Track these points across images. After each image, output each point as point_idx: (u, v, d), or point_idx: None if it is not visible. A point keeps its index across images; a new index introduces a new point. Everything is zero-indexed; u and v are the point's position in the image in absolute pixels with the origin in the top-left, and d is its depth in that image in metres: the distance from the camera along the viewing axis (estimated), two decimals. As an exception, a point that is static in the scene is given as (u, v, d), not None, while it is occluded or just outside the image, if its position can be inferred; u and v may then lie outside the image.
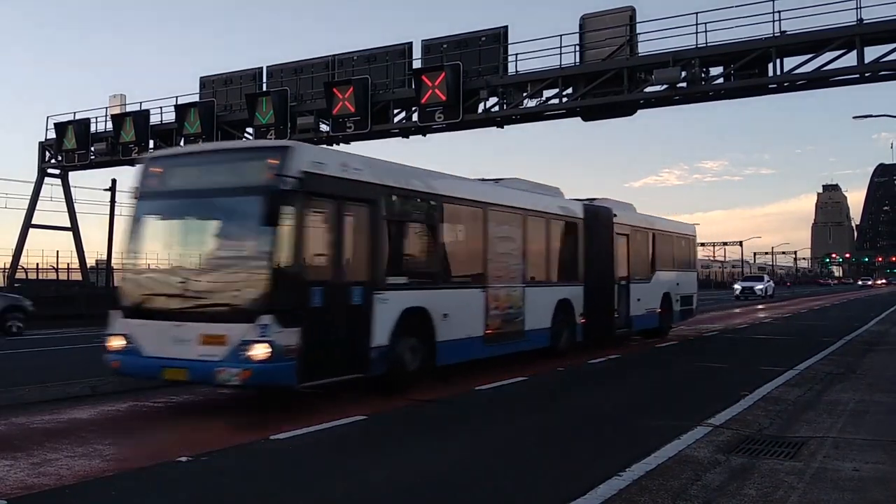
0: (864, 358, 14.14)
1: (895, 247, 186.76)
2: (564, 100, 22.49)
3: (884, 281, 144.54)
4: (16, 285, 30.26)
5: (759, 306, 38.84)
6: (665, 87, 20.64)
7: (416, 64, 23.48)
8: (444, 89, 22.02)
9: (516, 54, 22.60)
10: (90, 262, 36.67)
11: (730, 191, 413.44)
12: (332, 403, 8.83)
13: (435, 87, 22.23)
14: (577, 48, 21.74)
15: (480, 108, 22.99)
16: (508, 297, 12.34)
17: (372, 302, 9.06)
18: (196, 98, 27.72)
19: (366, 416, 8.25)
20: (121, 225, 25.79)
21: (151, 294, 8.75)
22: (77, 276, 35.63)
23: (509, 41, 22.65)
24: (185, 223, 9.57)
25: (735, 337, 19.74)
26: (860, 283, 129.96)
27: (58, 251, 37.12)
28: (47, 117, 32.08)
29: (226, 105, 27.23)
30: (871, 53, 18.79)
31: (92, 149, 30.06)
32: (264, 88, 26.22)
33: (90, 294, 28.13)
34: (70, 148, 30.25)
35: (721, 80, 20.76)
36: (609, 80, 21.19)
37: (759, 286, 54.62)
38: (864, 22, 18.39)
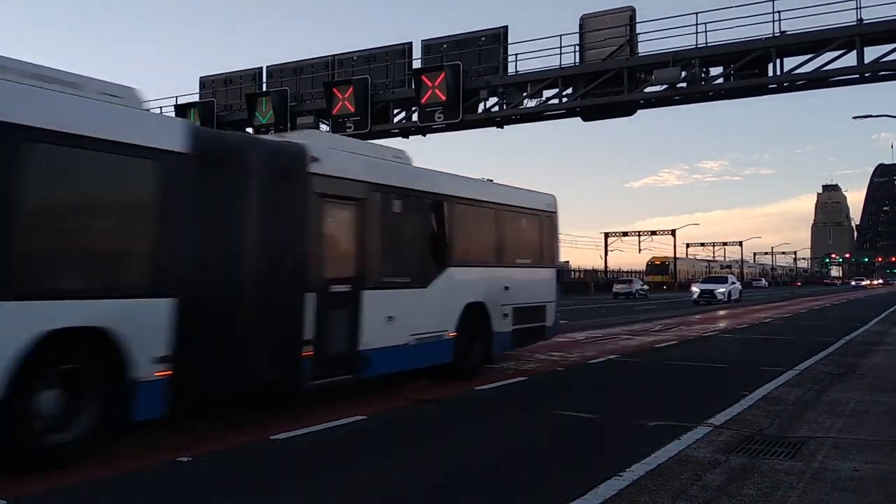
0: (864, 358, 14.16)
1: (895, 247, 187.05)
2: (564, 100, 22.46)
3: (880, 281, 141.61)
4: None
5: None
6: (665, 87, 20.60)
7: (416, 64, 23.46)
8: (443, 89, 22.01)
9: (516, 54, 22.57)
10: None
11: (730, 191, 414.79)
12: (331, 404, 8.82)
13: (435, 87, 22.22)
14: (577, 48, 21.69)
15: (480, 108, 22.95)
16: None
17: None
18: (196, 98, 27.70)
19: (365, 416, 8.26)
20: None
21: None
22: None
23: (509, 41, 22.60)
24: None
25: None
26: (853, 283, 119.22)
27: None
28: (47, 117, 32.09)
29: (226, 105, 27.23)
30: (871, 53, 18.79)
31: (92, 149, 30.01)
32: (264, 88, 26.20)
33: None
34: (70, 148, 30.19)
35: (721, 80, 20.73)
36: (609, 81, 21.16)
37: (720, 289, 45.02)
38: (864, 22, 18.38)
